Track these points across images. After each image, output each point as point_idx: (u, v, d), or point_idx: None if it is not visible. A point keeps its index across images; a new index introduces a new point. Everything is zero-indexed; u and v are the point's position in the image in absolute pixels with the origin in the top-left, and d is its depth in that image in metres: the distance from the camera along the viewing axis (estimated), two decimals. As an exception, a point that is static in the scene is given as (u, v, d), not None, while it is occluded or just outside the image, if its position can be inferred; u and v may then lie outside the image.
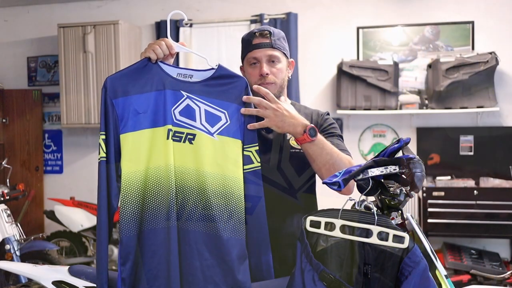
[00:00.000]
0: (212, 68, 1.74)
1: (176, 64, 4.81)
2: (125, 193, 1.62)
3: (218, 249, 1.63)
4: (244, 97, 1.71)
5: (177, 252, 1.61)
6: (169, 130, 1.65)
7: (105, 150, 1.64)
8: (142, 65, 1.70)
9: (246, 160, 1.70)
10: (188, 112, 1.68)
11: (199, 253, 1.62)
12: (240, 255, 1.64)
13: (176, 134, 1.66)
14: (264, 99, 1.72)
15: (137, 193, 1.63)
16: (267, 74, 1.85)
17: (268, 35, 1.87)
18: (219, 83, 1.72)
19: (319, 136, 1.73)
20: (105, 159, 1.64)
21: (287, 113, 1.71)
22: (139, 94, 1.66)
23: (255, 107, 1.72)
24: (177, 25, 4.91)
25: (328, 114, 2.00)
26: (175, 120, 1.67)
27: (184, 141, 1.67)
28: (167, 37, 1.78)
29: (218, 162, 1.68)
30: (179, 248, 1.62)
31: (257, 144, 1.72)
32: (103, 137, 1.64)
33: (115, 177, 1.64)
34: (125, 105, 1.65)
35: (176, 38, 4.89)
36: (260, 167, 1.71)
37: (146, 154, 1.65)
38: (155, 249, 1.62)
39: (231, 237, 1.65)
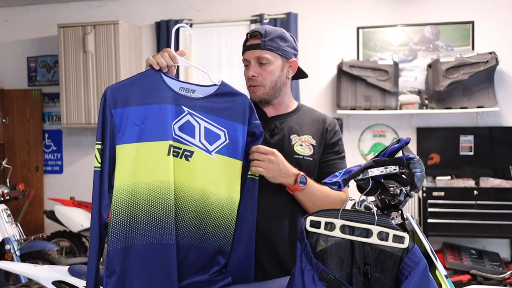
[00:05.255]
0: (215, 84, 1.71)
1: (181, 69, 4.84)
2: (116, 205, 1.58)
3: (203, 264, 1.65)
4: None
5: (176, 270, 1.59)
6: (170, 146, 1.62)
7: (99, 160, 1.60)
8: (144, 76, 1.65)
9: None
10: (188, 128, 1.66)
11: (186, 270, 1.63)
12: (222, 268, 1.68)
13: (175, 149, 1.63)
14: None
15: (129, 206, 1.59)
16: (253, 76, 1.83)
17: (258, 36, 1.82)
18: (221, 101, 1.70)
19: (309, 182, 1.75)
20: (99, 169, 1.60)
21: (281, 164, 1.70)
22: (139, 105, 1.62)
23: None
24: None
25: (336, 124, 1.97)
26: (174, 135, 1.64)
27: (181, 157, 1.64)
28: (169, 46, 1.76)
29: (213, 181, 1.66)
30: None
31: None
32: (99, 146, 1.60)
33: (107, 188, 1.60)
34: (123, 115, 1.60)
35: (176, 39, 4.88)
36: (258, 178, 1.72)
37: (142, 168, 1.61)
38: (147, 264, 1.59)
39: (218, 252, 1.68)
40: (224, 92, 1.71)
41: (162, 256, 1.59)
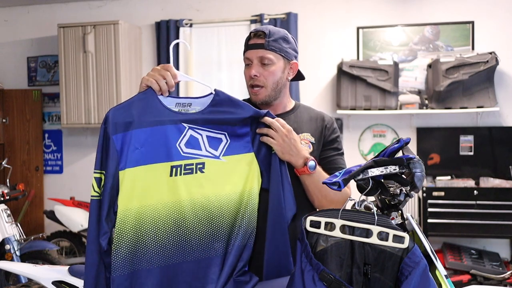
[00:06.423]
0: (210, 93, 1.71)
1: (177, 65, 4.86)
2: (120, 231, 1.58)
3: (233, 266, 1.65)
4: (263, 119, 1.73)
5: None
6: (173, 167, 1.63)
7: (96, 189, 1.60)
8: (141, 98, 1.65)
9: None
10: (193, 143, 1.68)
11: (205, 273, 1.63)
12: (245, 265, 1.69)
13: (187, 167, 1.65)
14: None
15: (135, 231, 1.59)
16: (255, 75, 1.83)
17: (262, 35, 1.82)
18: (219, 111, 1.70)
19: (318, 169, 1.77)
20: (96, 198, 1.60)
21: (294, 142, 1.73)
22: (138, 129, 1.62)
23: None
24: (177, 25, 4.91)
25: (334, 122, 1.99)
26: (182, 154, 1.65)
27: (196, 172, 1.66)
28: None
29: (233, 181, 1.70)
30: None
31: None
32: (97, 175, 1.60)
33: (105, 216, 1.59)
34: (124, 140, 1.60)
35: (176, 38, 4.88)
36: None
37: (145, 191, 1.61)
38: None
39: (244, 248, 1.68)
40: (219, 101, 1.71)
41: (166, 277, 1.60)
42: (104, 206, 1.59)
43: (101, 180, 1.60)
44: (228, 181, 1.69)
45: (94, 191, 1.61)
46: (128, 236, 1.58)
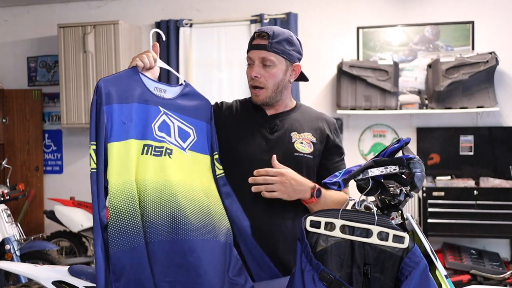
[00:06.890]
0: (181, 84, 1.82)
1: (177, 65, 4.86)
2: (111, 206, 1.56)
3: (218, 257, 1.65)
4: (250, 179, 1.75)
5: (150, 272, 1.57)
6: (145, 145, 1.65)
7: (95, 161, 1.59)
8: (129, 74, 1.71)
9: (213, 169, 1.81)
10: (165, 128, 1.72)
11: (204, 264, 1.61)
12: (239, 264, 1.70)
13: (157, 149, 1.67)
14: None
15: (123, 206, 1.57)
16: (255, 76, 1.83)
17: (266, 36, 1.81)
18: (187, 101, 1.81)
19: (323, 192, 1.78)
20: (95, 170, 1.59)
21: (294, 181, 1.74)
22: (125, 103, 1.65)
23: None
24: (177, 25, 4.91)
25: (336, 123, 1.99)
26: (155, 135, 1.68)
27: (164, 155, 1.68)
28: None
29: (195, 175, 1.73)
30: (151, 263, 1.59)
31: (216, 152, 1.84)
32: (94, 147, 1.60)
33: (103, 188, 1.59)
34: (113, 112, 1.62)
35: (176, 38, 4.89)
36: (223, 173, 1.81)
37: (124, 166, 1.61)
38: (129, 268, 1.56)
39: (226, 243, 1.70)
40: (188, 92, 1.83)
41: (138, 256, 1.56)
42: (100, 178, 1.59)
43: (96, 151, 1.61)
44: (191, 174, 1.72)
45: (94, 163, 1.60)
46: (118, 212, 1.56)
